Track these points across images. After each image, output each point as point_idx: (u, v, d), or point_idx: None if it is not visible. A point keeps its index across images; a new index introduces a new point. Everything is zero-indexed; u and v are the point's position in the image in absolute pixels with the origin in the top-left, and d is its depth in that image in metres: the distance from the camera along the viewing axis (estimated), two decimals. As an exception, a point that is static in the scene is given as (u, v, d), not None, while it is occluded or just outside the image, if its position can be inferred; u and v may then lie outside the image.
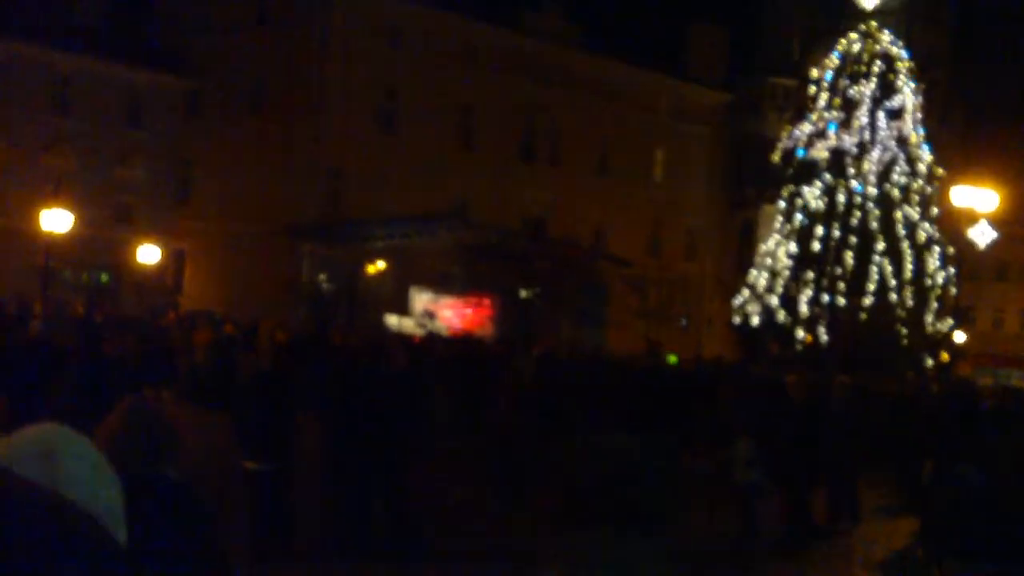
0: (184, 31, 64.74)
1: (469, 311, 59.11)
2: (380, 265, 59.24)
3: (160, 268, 61.08)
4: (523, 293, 58.96)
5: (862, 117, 53.38)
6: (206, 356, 18.94)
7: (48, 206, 40.57)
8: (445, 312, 58.59)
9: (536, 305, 58.82)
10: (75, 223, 43.03)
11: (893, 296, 51.52)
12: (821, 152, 53.83)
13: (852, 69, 54.28)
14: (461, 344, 37.86)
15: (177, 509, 5.34)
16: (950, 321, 53.92)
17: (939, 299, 53.02)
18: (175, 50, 64.17)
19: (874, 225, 52.34)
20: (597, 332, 60.00)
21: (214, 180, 63.15)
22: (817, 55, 60.37)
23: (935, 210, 53.86)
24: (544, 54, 70.02)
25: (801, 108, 60.04)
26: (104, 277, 60.85)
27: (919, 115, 54.46)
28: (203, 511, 5.59)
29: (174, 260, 64.00)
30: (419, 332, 47.07)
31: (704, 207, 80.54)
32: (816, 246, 52.52)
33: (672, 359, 39.59)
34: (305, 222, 58.99)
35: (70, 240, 45.31)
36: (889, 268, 51.81)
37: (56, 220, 40.09)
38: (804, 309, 52.11)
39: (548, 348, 39.01)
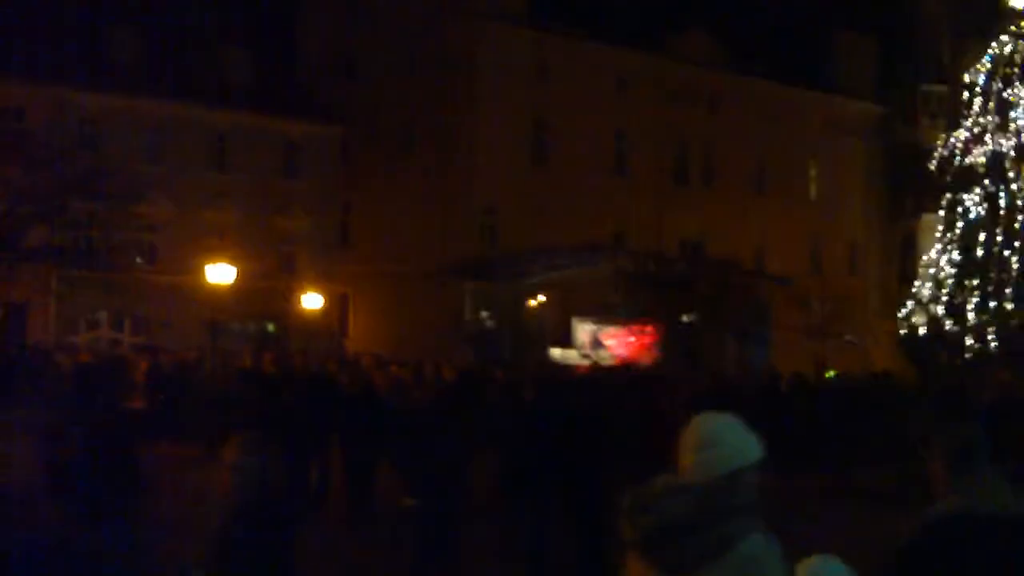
0: (333, 79, 65.91)
1: (632, 339, 58.91)
2: (540, 298, 59.29)
3: (324, 314, 61.74)
4: (685, 318, 58.47)
5: (1019, 119, 52.47)
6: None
7: (212, 260, 41.22)
8: (609, 341, 58.54)
9: (699, 329, 58.38)
10: (239, 275, 43.51)
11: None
12: (979, 158, 53.07)
13: (1005, 71, 53.42)
14: (627, 373, 36.54)
15: None
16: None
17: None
18: (325, 99, 65.10)
19: (1037, 228, 51.27)
20: (762, 352, 59.48)
21: (372, 224, 64.03)
22: (968, 59, 59.34)
23: (1099, 208, 52.27)
24: (691, 76, 69.88)
25: (955, 114, 59.22)
26: (271, 326, 61.69)
27: (1077, 113, 52.83)
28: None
29: (338, 305, 64.64)
30: (584, 362, 46.41)
31: (862, 220, 79.64)
32: (979, 252, 51.75)
33: (829, 374, 38.99)
34: (464, 260, 59.51)
35: (235, 292, 45.84)
36: (1055, 270, 50.51)
37: (220, 273, 40.68)
38: (971, 317, 51.42)
39: (715, 372, 39.08)
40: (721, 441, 5.29)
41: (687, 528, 4.88)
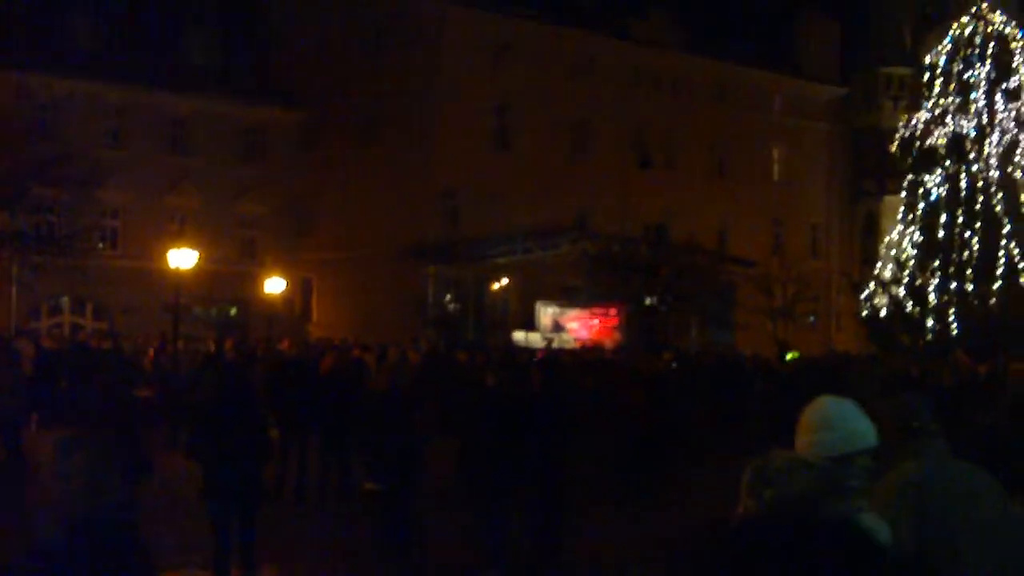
0: (295, 63, 65.65)
1: (596, 322, 58.34)
2: (504, 282, 59.49)
3: (287, 298, 61.58)
4: (648, 300, 58.04)
5: (979, 100, 52.70)
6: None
7: (174, 245, 41.08)
8: (571, 324, 58.02)
9: (663, 311, 58.14)
10: (201, 260, 43.09)
11: (1023, 279, 50.33)
12: (940, 139, 53.24)
13: (966, 53, 53.60)
14: (587, 353, 37.80)
15: None
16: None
17: (1071, 279, 51.35)
18: (288, 84, 65.21)
19: (999, 208, 51.42)
20: (726, 334, 59.96)
21: (334, 209, 63.66)
22: (929, 41, 59.92)
23: (1061, 188, 52.31)
24: (654, 61, 69.91)
25: (917, 96, 59.66)
26: (233, 311, 61.54)
27: (1038, 94, 52.83)
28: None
29: (301, 290, 64.56)
30: (548, 346, 46.91)
31: (825, 202, 79.95)
32: (941, 234, 51.93)
33: (790, 356, 39.26)
34: (426, 244, 59.24)
35: (197, 276, 45.75)
36: (1016, 251, 50.80)
37: (183, 258, 40.49)
38: (932, 298, 51.53)
39: (679, 353, 40.29)
40: (840, 424, 5.77)
41: (807, 503, 5.17)
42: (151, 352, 35.25)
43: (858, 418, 5.85)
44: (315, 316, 64.59)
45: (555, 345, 48.24)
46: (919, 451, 6.30)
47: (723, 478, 7.25)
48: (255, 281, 60.27)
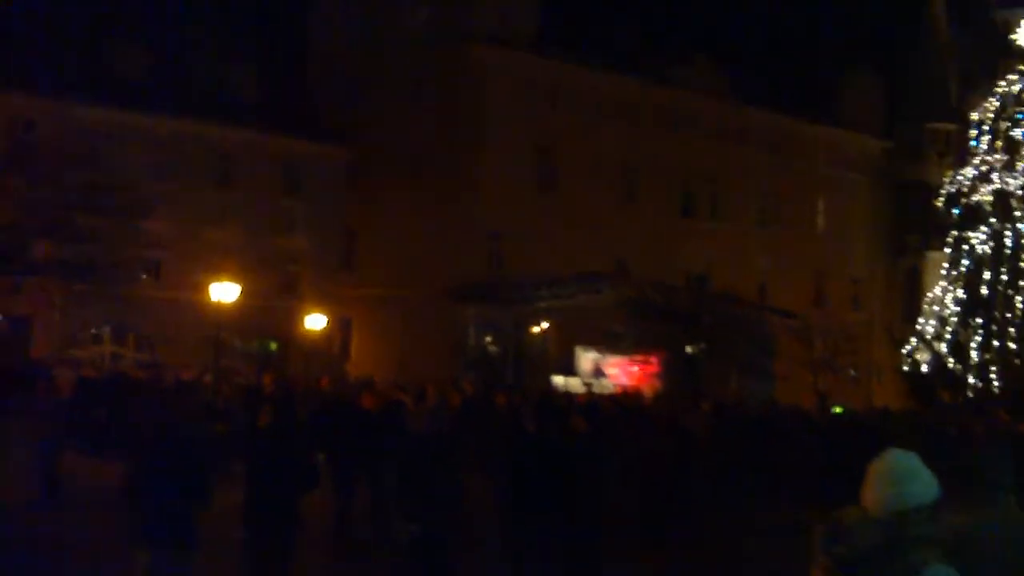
0: (340, 99, 65.69)
1: (636, 369, 58.61)
2: (544, 325, 59.03)
3: (327, 335, 61.38)
4: (689, 349, 58.33)
5: (1026, 158, 52.51)
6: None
7: (216, 278, 41.11)
8: (611, 370, 58.17)
9: (703, 360, 58.21)
10: (242, 294, 42.97)
11: (1066, 340, 49.50)
12: (985, 196, 53.03)
13: (1012, 110, 53.41)
14: (627, 400, 37.05)
15: None
16: None
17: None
18: (332, 119, 65.09)
19: (1043, 267, 50.88)
20: (765, 385, 58.67)
21: (377, 247, 63.55)
22: (976, 98, 59.49)
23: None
24: (697, 107, 69.83)
25: (962, 152, 59.58)
26: (272, 345, 61.42)
27: (1085, 153, 52.47)
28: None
29: (340, 327, 64.28)
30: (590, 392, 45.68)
31: (868, 255, 79.35)
32: (984, 291, 51.67)
33: (837, 409, 39.02)
34: (468, 284, 58.76)
35: (238, 310, 45.45)
36: (1060, 311, 50.01)
37: (224, 291, 40.48)
38: (974, 356, 51.22)
39: (718, 402, 39.02)
40: (907, 479, 5.91)
41: (877, 558, 5.50)
42: (212, 384, 34.96)
43: (922, 472, 5.98)
44: (354, 354, 64.38)
45: (595, 390, 47.03)
46: (989, 502, 6.60)
47: (762, 537, 7.21)
48: (295, 316, 60.10)
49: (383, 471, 19.10)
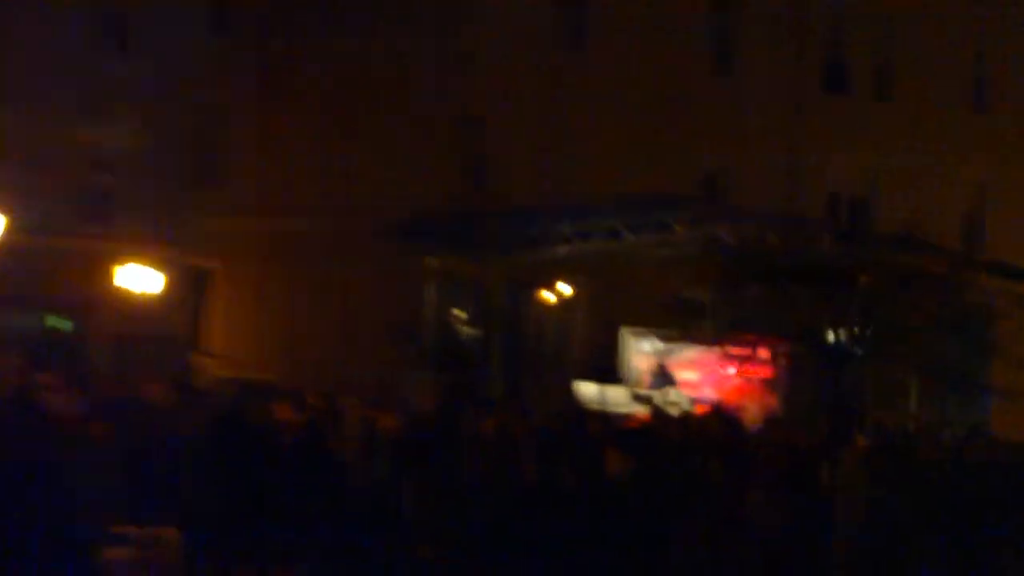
0: None
1: (732, 370, 38.96)
2: (563, 290, 40.93)
3: (166, 302, 40.04)
4: (832, 335, 38.18)
5: None
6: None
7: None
8: (685, 373, 38.64)
9: (858, 356, 37.88)
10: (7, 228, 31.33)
11: None
12: None
13: None
14: (713, 426, 23.19)
15: None
16: None
17: None
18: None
19: None
20: (976, 406, 39.78)
21: (258, 150, 42.42)
22: None
23: None
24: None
25: None
26: (62, 322, 40.41)
27: None
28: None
29: (191, 289, 42.42)
30: (641, 411, 32.00)
31: None
32: None
33: None
34: (427, 215, 39.82)
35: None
36: None
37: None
38: None
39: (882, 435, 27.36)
40: None
41: None
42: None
43: None
44: (214, 335, 42.79)
45: (657, 409, 30.71)
46: None
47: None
48: (103, 269, 38.66)
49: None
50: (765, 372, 38.37)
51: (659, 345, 39.02)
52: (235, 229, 40.37)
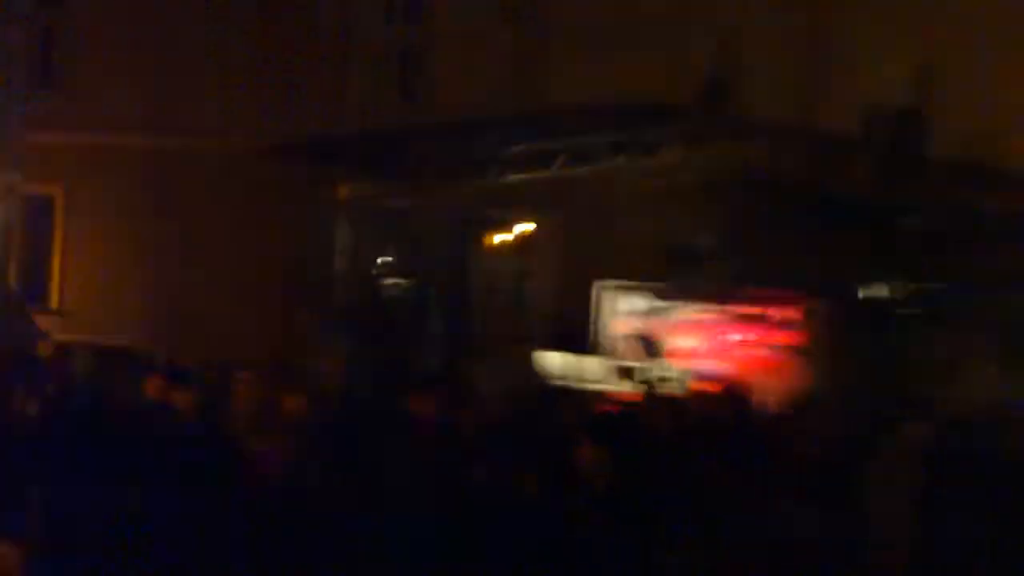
0: None
1: (743, 336, 32.45)
2: (521, 229, 34.42)
3: None
4: (879, 290, 32.19)
5: None
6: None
7: None
8: (683, 340, 32.42)
9: (910, 317, 31.78)
10: None
11: None
12: None
13: None
14: (715, 408, 18.83)
15: None
16: None
17: None
18: None
19: None
20: None
21: (113, 42, 34.12)
22: None
23: None
24: None
25: None
26: None
27: None
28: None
29: (26, 221, 34.06)
30: (632, 390, 26.63)
31: None
32: None
33: None
34: (339, 131, 32.35)
35: None
36: None
37: None
38: None
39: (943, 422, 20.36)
40: None
41: None
42: None
43: None
44: (63, 288, 34.68)
45: (649, 387, 27.13)
46: None
47: None
48: None
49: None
50: (790, 338, 31.62)
51: (647, 302, 32.69)
52: (82, 145, 32.75)
